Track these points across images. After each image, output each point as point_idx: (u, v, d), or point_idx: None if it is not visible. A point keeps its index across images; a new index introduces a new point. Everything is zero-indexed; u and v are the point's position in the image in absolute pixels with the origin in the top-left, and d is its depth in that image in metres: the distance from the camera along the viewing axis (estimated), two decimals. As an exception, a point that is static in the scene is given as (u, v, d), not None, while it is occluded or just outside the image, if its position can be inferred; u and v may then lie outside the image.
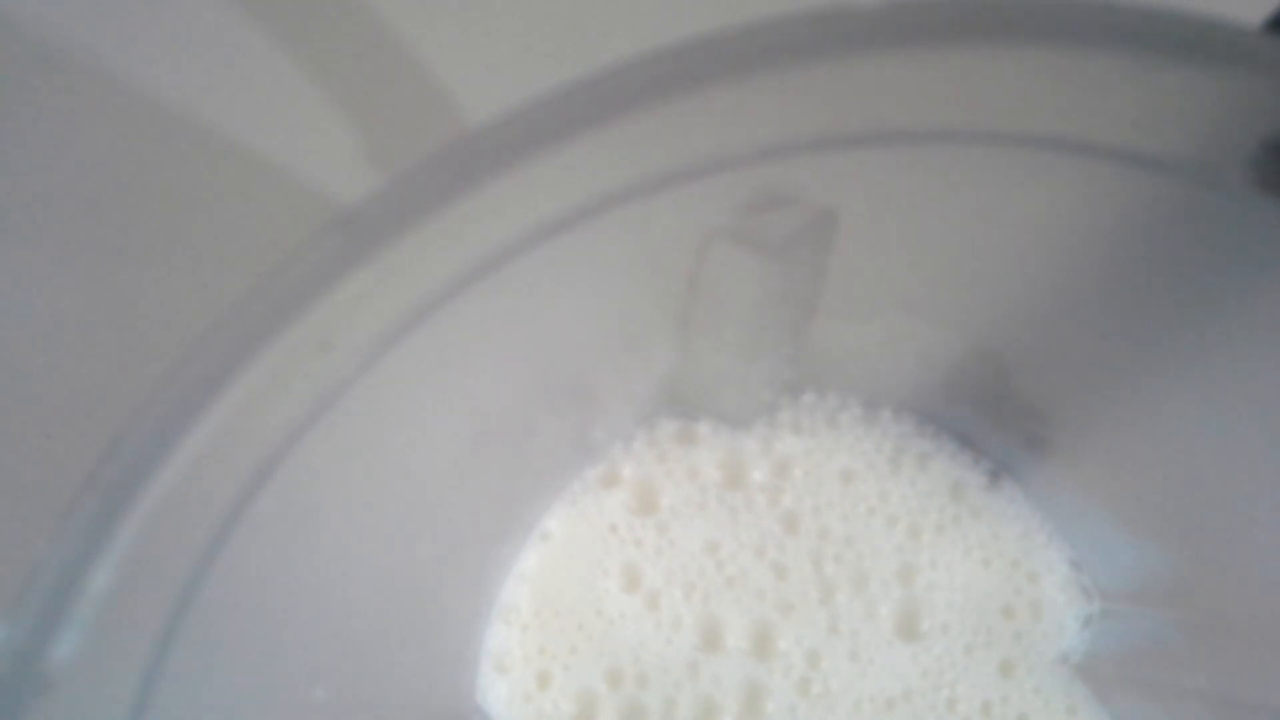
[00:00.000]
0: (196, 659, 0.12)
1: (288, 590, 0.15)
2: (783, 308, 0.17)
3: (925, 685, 0.20)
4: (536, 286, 0.14)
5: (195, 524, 0.11)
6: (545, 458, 0.21)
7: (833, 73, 0.11)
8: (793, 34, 0.10)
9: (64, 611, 0.10)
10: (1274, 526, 0.17)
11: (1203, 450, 0.18)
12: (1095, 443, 0.20)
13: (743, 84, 0.10)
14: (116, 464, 0.10)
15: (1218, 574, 0.19)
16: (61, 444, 0.23)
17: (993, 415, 0.21)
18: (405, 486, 0.17)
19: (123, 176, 0.24)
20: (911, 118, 0.12)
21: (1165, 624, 0.20)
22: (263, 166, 0.24)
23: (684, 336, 0.18)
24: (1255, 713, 0.18)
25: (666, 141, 0.11)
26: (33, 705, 0.10)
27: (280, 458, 0.12)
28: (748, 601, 0.21)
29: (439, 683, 0.21)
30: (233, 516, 0.12)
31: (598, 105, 0.10)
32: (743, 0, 0.14)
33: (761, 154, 0.12)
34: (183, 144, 0.24)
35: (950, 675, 0.21)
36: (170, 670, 0.12)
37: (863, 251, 0.16)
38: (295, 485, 0.12)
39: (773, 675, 0.21)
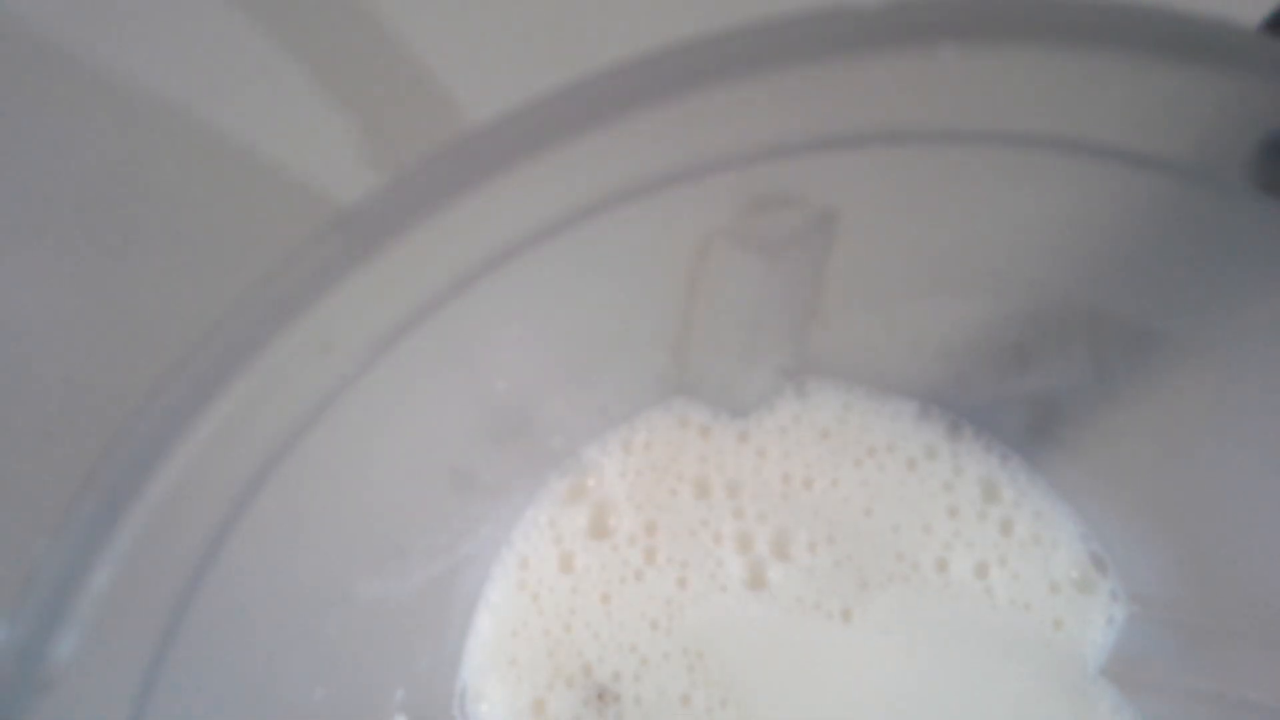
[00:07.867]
0: (197, 659, 0.12)
1: (287, 590, 0.15)
2: (783, 308, 0.17)
3: (959, 683, 0.20)
4: (536, 286, 0.14)
5: (195, 524, 0.11)
6: (544, 454, 0.21)
7: (833, 73, 0.11)
8: (793, 34, 0.10)
9: (64, 611, 0.10)
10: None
11: (1205, 449, 0.18)
12: (1097, 441, 0.20)
13: (743, 84, 0.10)
14: (116, 464, 0.10)
15: (1231, 575, 0.19)
16: (61, 444, 0.23)
17: (998, 412, 0.21)
18: (405, 484, 0.17)
19: (123, 176, 0.24)
20: (911, 118, 0.12)
21: (1180, 625, 0.20)
22: (263, 166, 0.24)
23: (684, 337, 0.18)
24: (1272, 715, 0.18)
25: (666, 141, 0.11)
26: (33, 705, 0.10)
27: (280, 458, 0.12)
28: (748, 601, 0.21)
29: (439, 680, 0.21)
30: (233, 516, 0.12)
31: (597, 105, 0.10)
32: (743, 0, 0.14)
33: (761, 154, 0.12)
34: (183, 144, 0.24)
35: (980, 674, 0.20)
36: (170, 670, 0.12)
37: (863, 251, 0.16)
38: (295, 485, 0.12)
39: (809, 681, 0.20)
